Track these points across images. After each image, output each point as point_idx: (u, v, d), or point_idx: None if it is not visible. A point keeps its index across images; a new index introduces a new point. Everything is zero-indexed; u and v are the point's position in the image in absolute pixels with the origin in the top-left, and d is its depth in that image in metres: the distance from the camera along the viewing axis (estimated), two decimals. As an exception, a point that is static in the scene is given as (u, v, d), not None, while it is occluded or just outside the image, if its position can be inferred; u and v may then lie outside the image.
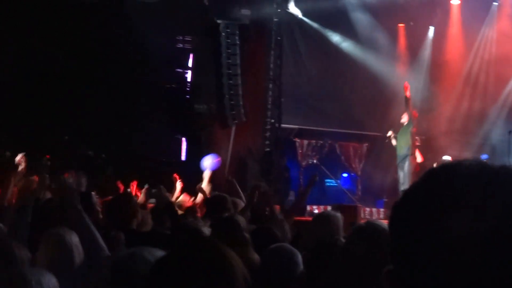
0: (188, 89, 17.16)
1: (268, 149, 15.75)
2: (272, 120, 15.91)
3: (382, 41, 16.55)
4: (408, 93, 12.27)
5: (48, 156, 7.36)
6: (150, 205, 7.71)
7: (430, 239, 0.86)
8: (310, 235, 3.89)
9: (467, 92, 16.54)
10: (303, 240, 4.22)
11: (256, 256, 3.80)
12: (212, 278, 1.47)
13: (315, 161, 16.93)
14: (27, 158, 7.14)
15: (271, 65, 15.96)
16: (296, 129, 16.73)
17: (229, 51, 15.02)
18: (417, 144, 12.70)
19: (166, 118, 15.74)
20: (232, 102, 15.11)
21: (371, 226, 2.31)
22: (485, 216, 0.85)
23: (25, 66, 13.62)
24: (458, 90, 16.52)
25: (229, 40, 15.05)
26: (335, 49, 16.83)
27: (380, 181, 15.47)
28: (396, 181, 13.06)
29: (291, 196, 14.99)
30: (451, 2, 16.48)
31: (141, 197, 8.63)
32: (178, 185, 8.65)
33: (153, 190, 8.63)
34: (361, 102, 15.88)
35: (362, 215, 12.69)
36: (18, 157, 6.72)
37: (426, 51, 17.26)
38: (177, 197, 8.13)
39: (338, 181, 17.98)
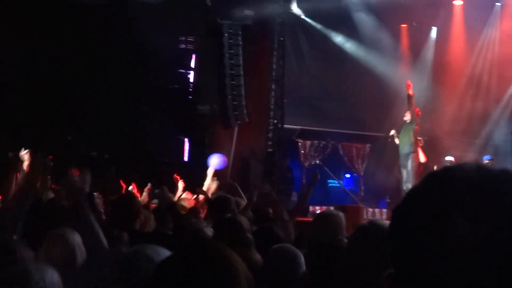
0: (190, 89, 17.17)
1: (270, 150, 15.75)
2: (275, 121, 15.90)
3: (385, 41, 16.54)
4: (410, 91, 12.26)
5: (51, 157, 7.38)
6: (153, 206, 7.72)
7: (431, 242, 0.87)
8: (311, 235, 3.89)
9: (470, 93, 16.52)
10: (305, 240, 4.21)
11: (258, 257, 3.79)
12: (215, 281, 1.47)
13: (317, 161, 16.93)
14: (32, 155, 7.14)
15: (274, 66, 15.96)
16: (299, 129, 16.73)
17: (232, 51, 15.03)
18: (420, 144, 12.68)
19: (168, 118, 15.74)
20: (234, 103, 15.11)
21: (374, 226, 2.30)
22: (484, 220, 0.85)
23: (28, 67, 13.64)
24: (461, 90, 16.50)
25: (231, 41, 15.06)
26: (338, 50, 16.83)
27: (383, 181, 15.45)
28: (399, 182, 13.05)
29: (294, 197, 14.98)
30: (453, 2, 16.46)
31: (143, 196, 8.64)
32: (180, 185, 8.66)
33: (156, 191, 8.64)
34: (363, 103, 15.87)
35: (364, 215, 12.69)
36: (23, 153, 6.72)
37: (429, 52, 17.25)
38: (180, 197, 8.14)
39: (341, 182, 17.97)
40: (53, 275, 1.81)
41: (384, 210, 14.43)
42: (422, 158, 12.60)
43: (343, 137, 17.17)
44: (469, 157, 15.04)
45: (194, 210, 6.83)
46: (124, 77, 14.86)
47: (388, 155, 14.61)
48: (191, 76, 17.26)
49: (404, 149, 12.35)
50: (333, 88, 16.20)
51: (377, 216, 13.96)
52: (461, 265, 0.84)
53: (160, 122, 15.31)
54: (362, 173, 17.43)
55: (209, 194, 8.27)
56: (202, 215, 6.66)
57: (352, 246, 2.41)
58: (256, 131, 15.94)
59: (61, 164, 6.91)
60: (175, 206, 6.52)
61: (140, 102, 15.21)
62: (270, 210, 5.89)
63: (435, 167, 9.75)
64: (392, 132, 12.73)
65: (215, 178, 8.91)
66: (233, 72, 15.01)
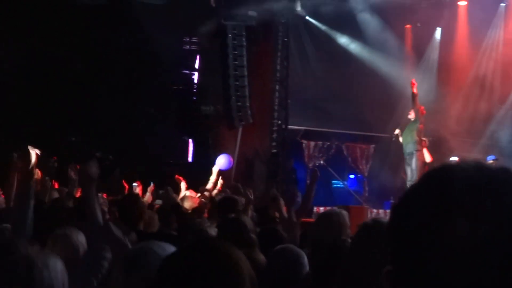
0: (195, 90, 17.20)
1: (275, 151, 15.75)
2: (279, 122, 15.90)
3: (389, 42, 16.52)
4: (415, 90, 12.23)
5: (55, 158, 7.40)
6: (157, 206, 7.73)
7: (431, 242, 0.87)
8: (314, 235, 3.87)
9: (475, 93, 16.47)
10: (308, 240, 4.20)
11: (262, 257, 3.79)
12: (218, 278, 1.46)
13: (322, 162, 16.91)
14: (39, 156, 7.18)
15: (278, 67, 15.96)
16: (303, 130, 16.72)
17: (236, 52, 15.03)
18: (426, 144, 12.65)
19: (173, 119, 15.78)
20: (238, 104, 15.11)
21: (379, 224, 2.28)
22: (484, 220, 0.85)
23: (33, 68, 13.68)
24: (465, 91, 16.47)
25: (235, 42, 15.05)
26: (342, 51, 16.82)
27: (387, 182, 15.43)
28: (404, 183, 13.02)
29: (298, 198, 14.94)
30: (458, 3, 16.44)
31: (147, 197, 8.67)
32: (183, 185, 8.68)
33: (160, 191, 8.67)
34: (368, 103, 15.86)
35: (369, 216, 12.66)
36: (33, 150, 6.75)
37: (433, 52, 17.23)
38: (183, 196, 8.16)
39: (345, 182, 17.96)
40: (56, 263, 1.81)
41: (389, 211, 14.37)
42: (427, 158, 12.57)
43: (347, 138, 17.15)
44: (474, 157, 14.98)
45: (198, 210, 6.84)
46: (128, 78, 14.89)
47: (393, 156, 14.58)
48: (195, 77, 17.29)
49: (408, 147, 12.34)
50: (337, 88, 16.18)
51: (382, 216, 13.92)
52: (461, 265, 0.84)
53: (164, 123, 15.34)
54: (366, 174, 17.41)
55: (213, 193, 8.30)
56: (206, 214, 6.67)
57: (356, 245, 2.40)
58: (260, 132, 15.95)
59: (65, 165, 6.94)
60: (179, 207, 6.54)
61: (144, 103, 15.24)
62: (277, 214, 5.88)
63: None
64: (397, 131, 12.71)
65: (219, 177, 8.95)
66: (237, 73, 15.01)
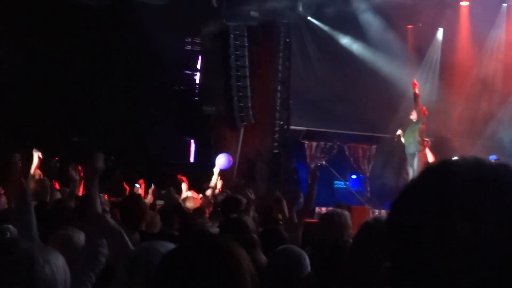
0: (196, 91, 17.21)
1: (276, 151, 15.74)
2: (281, 122, 15.89)
3: (391, 42, 16.51)
4: (416, 90, 12.23)
5: (57, 158, 7.41)
6: (158, 207, 7.74)
7: (430, 240, 0.86)
8: (316, 235, 3.87)
9: (477, 93, 16.45)
10: (310, 240, 4.20)
11: (263, 258, 3.79)
12: (219, 275, 1.47)
13: (323, 162, 16.90)
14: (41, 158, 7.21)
15: (280, 67, 15.95)
16: (305, 131, 16.71)
17: (238, 53, 15.02)
18: (427, 145, 12.64)
19: (175, 120, 15.78)
20: (240, 104, 15.11)
21: (380, 223, 2.28)
22: (484, 218, 0.85)
23: (34, 68, 13.70)
24: (467, 91, 16.44)
25: (237, 42, 15.05)
26: (344, 51, 16.81)
27: (389, 182, 15.41)
28: (405, 183, 12.97)
29: (300, 198, 14.94)
30: (460, 3, 16.42)
31: (148, 198, 8.67)
32: (184, 186, 8.68)
33: (163, 192, 8.67)
34: (370, 104, 15.85)
35: (371, 216, 12.65)
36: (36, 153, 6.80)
37: (435, 53, 17.21)
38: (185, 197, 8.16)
39: (347, 183, 17.94)
40: (58, 258, 1.81)
41: (391, 211, 14.34)
42: (430, 158, 12.56)
43: (349, 138, 17.13)
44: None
45: (199, 210, 6.84)
46: (129, 78, 14.90)
47: (395, 156, 14.56)
48: (197, 77, 17.30)
49: (410, 148, 12.34)
50: (339, 89, 16.16)
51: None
52: (461, 265, 0.84)
53: (165, 123, 15.34)
54: (368, 174, 17.39)
55: (215, 192, 8.30)
56: (207, 214, 6.68)
57: (357, 244, 2.40)
58: (262, 132, 15.94)
59: (67, 166, 6.95)
60: (181, 207, 6.54)
61: (146, 104, 15.24)
62: (280, 216, 5.89)
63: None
64: (399, 131, 12.72)
65: (219, 177, 8.95)
66: (239, 73, 15.00)
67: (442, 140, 15.09)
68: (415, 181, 0.95)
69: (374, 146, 17.32)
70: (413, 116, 12.28)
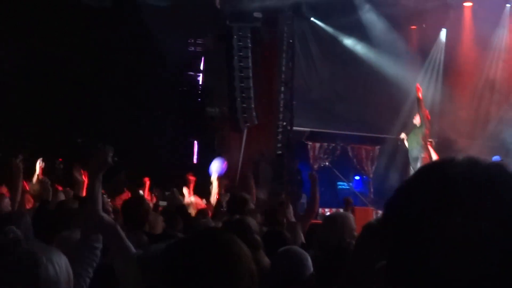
0: (200, 92, 17.22)
1: (280, 152, 15.74)
2: (284, 123, 15.89)
3: (395, 43, 16.50)
4: (420, 95, 12.22)
5: (61, 160, 7.43)
6: (160, 208, 7.75)
7: (429, 238, 0.86)
8: (320, 237, 3.87)
9: (481, 94, 16.43)
10: (314, 242, 4.20)
11: (266, 259, 3.79)
12: (216, 269, 1.48)
13: (327, 163, 16.90)
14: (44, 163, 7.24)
15: (283, 68, 15.95)
16: (308, 131, 16.70)
17: (241, 54, 15.03)
18: (431, 145, 12.63)
19: (178, 121, 15.79)
20: (244, 105, 15.11)
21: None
22: (484, 215, 0.85)
23: (37, 69, 13.73)
24: (471, 91, 16.42)
25: (241, 43, 15.06)
26: (347, 52, 16.80)
27: (393, 183, 15.39)
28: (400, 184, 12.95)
29: (303, 199, 14.96)
30: (463, 4, 16.40)
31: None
32: (186, 191, 8.67)
33: (167, 193, 8.69)
34: (373, 105, 15.83)
35: (374, 217, 12.63)
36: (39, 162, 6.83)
37: (439, 53, 17.19)
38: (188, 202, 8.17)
39: (350, 184, 17.94)
40: (61, 258, 1.82)
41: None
42: (434, 157, 12.54)
43: (353, 139, 17.13)
44: (474, 156, 14.90)
45: (202, 211, 6.85)
46: (133, 79, 14.92)
47: (398, 157, 14.54)
48: (200, 78, 17.31)
49: (414, 152, 12.32)
50: (343, 90, 16.17)
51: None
52: (461, 263, 0.84)
53: (169, 125, 15.36)
54: (371, 175, 17.39)
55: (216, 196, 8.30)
56: (210, 215, 6.68)
57: (359, 246, 2.39)
58: (265, 133, 15.94)
59: (71, 167, 6.97)
60: (184, 208, 6.55)
61: (149, 105, 15.26)
62: (284, 219, 5.88)
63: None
64: (402, 135, 12.70)
65: (219, 181, 8.94)
66: (242, 74, 15.01)
67: (446, 141, 15.07)
68: (410, 180, 0.95)
69: (377, 147, 17.31)
70: (416, 120, 12.26)
